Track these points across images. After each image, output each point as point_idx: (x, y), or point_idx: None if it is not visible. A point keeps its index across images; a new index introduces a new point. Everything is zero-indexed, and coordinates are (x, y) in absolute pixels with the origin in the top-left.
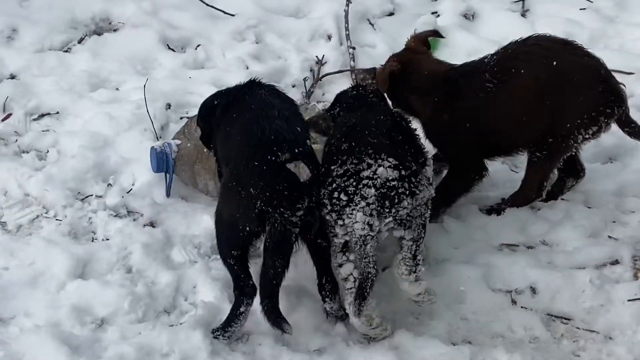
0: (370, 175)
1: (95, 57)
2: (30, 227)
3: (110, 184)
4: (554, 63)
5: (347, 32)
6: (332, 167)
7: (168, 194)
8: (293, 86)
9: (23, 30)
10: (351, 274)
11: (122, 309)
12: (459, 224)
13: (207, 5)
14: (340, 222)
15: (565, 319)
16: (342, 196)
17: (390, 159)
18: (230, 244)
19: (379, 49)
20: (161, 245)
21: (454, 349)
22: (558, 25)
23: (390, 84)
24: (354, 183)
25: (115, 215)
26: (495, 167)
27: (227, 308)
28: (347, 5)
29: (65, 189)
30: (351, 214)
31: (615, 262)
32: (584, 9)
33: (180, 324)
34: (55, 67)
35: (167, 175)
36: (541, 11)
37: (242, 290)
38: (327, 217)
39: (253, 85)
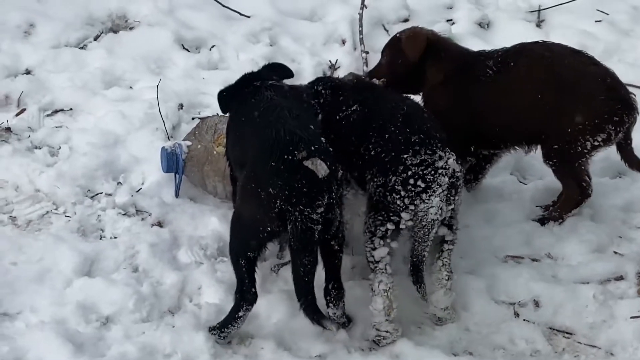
0: (444, 166)
1: (110, 54)
2: (40, 223)
3: (120, 182)
4: (555, 67)
5: (361, 37)
6: (404, 156)
7: (177, 195)
8: None
9: (40, 25)
10: (383, 257)
11: (127, 308)
12: (465, 234)
13: (223, 6)
14: (411, 207)
15: (567, 333)
16: (420, 183)
17: (453, 153)
18: (247, 245)
19: None
20: (168, 245)
21: None
22: (572, 36)
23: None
24: (432, 172)
25: (123, 214)
26: (504, 177)
27: None
28: (362, 9)
29: (76, 186)
30: (428, 199)
31: (620, 278)
32: (600, 21)
33: (184, 325)
34: (70, 63)
35: (177, 175)
36: (556, 22)
37: (243, 296)
38: (398, 202)
39: (257, 86)
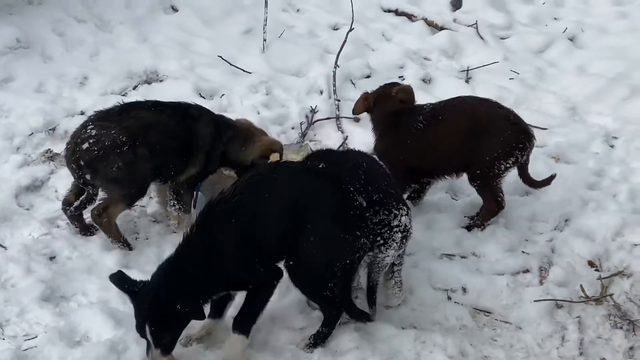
0: (398, 224)
1: None
2: (93, 227)
3: (151, 197)
4: (473, 114)
5: (334, 89)
6: (368, 214)
7: (194, 206)
8: (292, 128)
9: (92, 78)
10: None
11: None
12: (411, 237)
13: (231, 65)
14: (370, 253)
15: (487, 312)
16: (379, 239)
17: (404, 207)
18: (334, 278)
19: None
20: None
21: (403, 332)
22: (492, 90)
23: (366, 111)
24: (388, 230)
25: (154, 221)
26: (441, 195)
27: None
28: (335, 68)
29: None
30: (386, 251)
31: (526, 271)
32: (512, 78)
33: None
34: None
35: (195, 192)
36: (480, 79)
37: (339, 309)
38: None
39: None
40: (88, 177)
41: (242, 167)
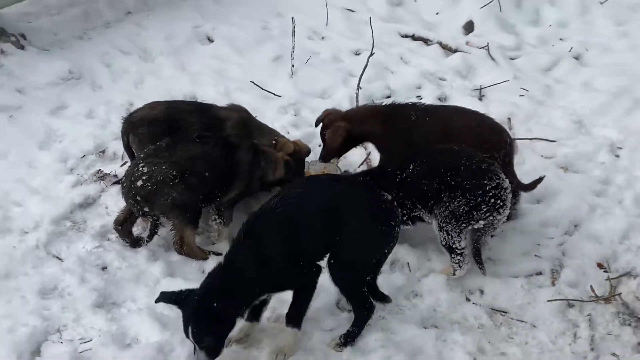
0: (507, 187)
1: None
2: (142, 240)
3: None
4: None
5: None
6: (484, 182)
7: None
8: (319, 146)
9: (137, 104)
10: (465, 245)
11: None
12: (433, 244)
13: (262, 89)
14: (490, 217)
15: (504, 312)
16: (499, 202)
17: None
18: (368, 275)
19: None
20: None
21: (425, 331)
22: (504, 106)
23: None
24: (503, 192)
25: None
26: None
27: None
28: (358, 90)
29: None
30: (503, 211)
31: (539, 273)
32: (522, 95)
33: None
34: None
35: None
36: (492, 96)
37: (370, 309)
38: (481, 214)
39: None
40: (146, 209)
41: (271, 186)
